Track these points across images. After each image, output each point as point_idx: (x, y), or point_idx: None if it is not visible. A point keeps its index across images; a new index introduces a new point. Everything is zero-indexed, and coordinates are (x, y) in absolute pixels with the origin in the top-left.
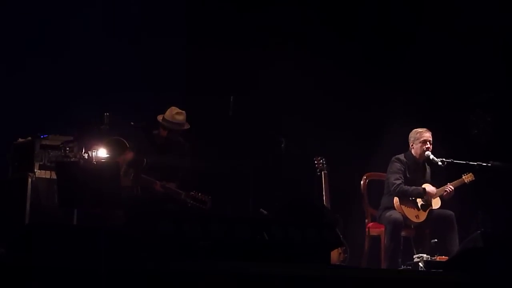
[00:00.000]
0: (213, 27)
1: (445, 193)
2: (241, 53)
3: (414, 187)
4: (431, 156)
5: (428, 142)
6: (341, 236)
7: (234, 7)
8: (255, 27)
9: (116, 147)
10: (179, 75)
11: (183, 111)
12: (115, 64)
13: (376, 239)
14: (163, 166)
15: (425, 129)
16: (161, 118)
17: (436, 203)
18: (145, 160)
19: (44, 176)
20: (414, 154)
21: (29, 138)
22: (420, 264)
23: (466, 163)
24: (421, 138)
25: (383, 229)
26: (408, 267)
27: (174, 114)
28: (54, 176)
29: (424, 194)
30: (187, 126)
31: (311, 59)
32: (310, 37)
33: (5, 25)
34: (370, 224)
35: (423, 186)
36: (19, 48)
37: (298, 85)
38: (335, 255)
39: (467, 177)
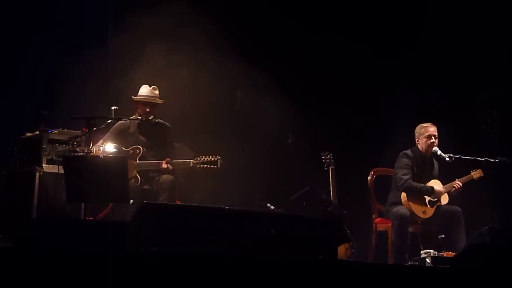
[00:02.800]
0: (219, 23)
1: (453, 189)
2: (248, 48)
3: (422, 184)
4: (439, 152)
5: (433, 137)
6: (348, 231)
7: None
8: (261, 24)
9: None
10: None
11: (152, 86)
12: (122, 59)
13: (383, 235)
14: (155, 145)
15: (429, 123)
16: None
17: (443, 199)
18: (142, 148)
19: (51, 171)
20: (421, 149)
21: (37, 132)
22: (427, 259)
23: (473, 159)
24: (426, 133)
25: (390, 224)
26: (415, 262)
27: (141, 88)
28: (61, 171)
29: (432, 192)
30: (154, 100)
31: (319, 54)
32: (317, 34)
33: (12, 17)
34: (377, 220)
35: (431, 184)
36: (25, 42)
37: (304, 79)
38: (342, 250)
39: (475, 173)
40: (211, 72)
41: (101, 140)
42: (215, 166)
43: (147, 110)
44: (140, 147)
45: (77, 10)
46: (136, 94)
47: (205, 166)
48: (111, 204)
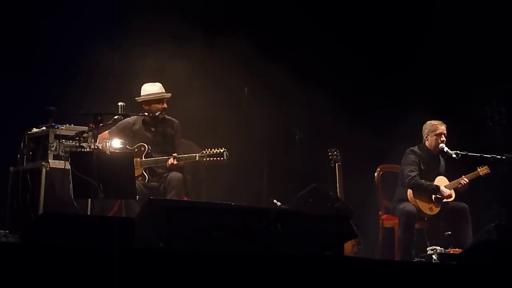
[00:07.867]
0: (225, 18)
1: (459, 186)
2: (254, 45)
3: (429, 182)
4: (445, 149)
5: (443, 135)
6: (354, 228)
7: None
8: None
9: None
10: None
11: (156, 83)
12: (130, 55)
13: (389, 231)
14: (161, 142)
15: (440, 121)
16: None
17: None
18: (146, 146)
19: (58, 167)
20: (429, 147)
21: (43, 128)
22: (433, 256)
23: (480, 155)
24: (436, 131)
25: (396, 221)
26: (422, 259)
27: (147, 87)
28: (68, 167)
29: (437, 191)
30: (161, 95)
31: (327, 49)
32: (326, 29)
33: (20, 15)
34: (384, 216)
35: (437, 181)
36: (32, 38)
37: (311, 76)
38: (348, 247)
39: (482, 170)
40: (217, 68)
41: (107, 133)
42: (222, 158)
43: (164, 106)
44: (145, 144)
45: (85, 5)
46: (138, 93)
47: (211, 158)
48: (119, 201)
